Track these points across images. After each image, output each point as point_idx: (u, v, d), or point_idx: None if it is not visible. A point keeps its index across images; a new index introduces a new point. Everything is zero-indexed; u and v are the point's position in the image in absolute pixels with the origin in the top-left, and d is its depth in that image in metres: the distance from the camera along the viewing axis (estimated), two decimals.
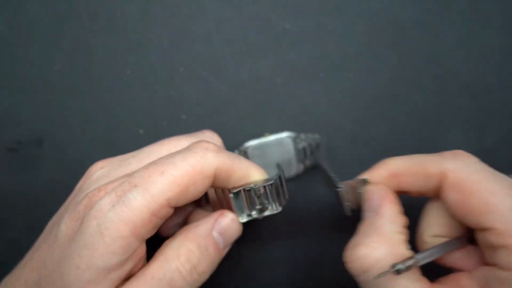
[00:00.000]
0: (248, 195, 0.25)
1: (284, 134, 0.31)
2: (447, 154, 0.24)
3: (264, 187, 0.25)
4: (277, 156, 0.31)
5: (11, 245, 0.32)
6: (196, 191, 0.23)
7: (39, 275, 0.23)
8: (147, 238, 0.23)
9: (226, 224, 0.25)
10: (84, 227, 0.22)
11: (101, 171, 0.26)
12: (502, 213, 0.21)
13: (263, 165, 0.30)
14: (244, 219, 0.26)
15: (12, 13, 0.33)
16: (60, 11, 0.33)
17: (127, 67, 0.33)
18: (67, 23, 0.33)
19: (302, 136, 0.31)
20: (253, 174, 0.25)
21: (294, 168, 0.31)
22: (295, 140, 0.31)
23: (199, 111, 0.33)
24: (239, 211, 0.25)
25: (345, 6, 0.33)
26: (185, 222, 0.29)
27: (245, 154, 0.31)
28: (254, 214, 0.26)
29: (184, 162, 0.22)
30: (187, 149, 0.23)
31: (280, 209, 0.26)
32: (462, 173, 0.22)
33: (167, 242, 0.25)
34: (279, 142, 0.31)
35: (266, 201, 0.25)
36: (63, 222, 0.23)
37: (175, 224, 0.29)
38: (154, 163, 0.23)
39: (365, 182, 0.26)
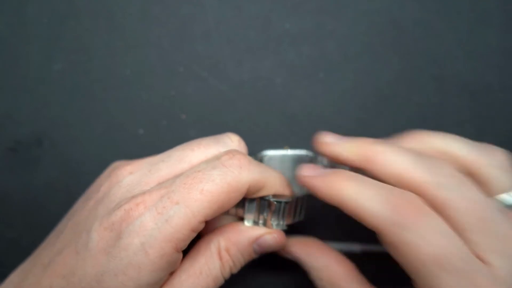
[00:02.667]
0: (261, 204, 0.26)
1: (304, 152, 0.31)
2: (389, 206, 0.22)
3: (279, 202, 0.26)
4: (291, 172, 0.31)
5: (10, 245, 0.32)
6: (229, 206, 0.24)
7: (69, 284, 0.23)
8: (184, 249, 0.23)
9: (269, 243, 0.26)
10: (126, 244, 0.22)
11: (131, 177, 0.25)
12: (427, 282, 0.21)
13: None
14: (250, 223, 0.26)
15: (12, 13, 0.33)
16: (60, 11, 0.33)
17: (127, 67, 0.33)
18: (67, 23, 0.33)
19: (320, 158, 0.31)
20: (280, 188, 0.26)
21: (306, 188, 0.31)
22: (312, 160, 0.31)
23: (199, 111, 0.33)
24: (247, 214, 0.26)
25: (345, 6, 0.33)
26: None
27: (260, 162, 0.31)
28: (261, 223, 0.26)
29: (222, 180, 0.23)
30: (222, 164, 0.24)
31: (284, 227, 0.27)
32: (399, 239, 0.22)
33: (210, 236, 0.26)
34: (296, 158, 0.31)
35: (276, 215, 0.26)
36: (94, 231, 0.23)
37: None
38: (191, 177, 0.23)
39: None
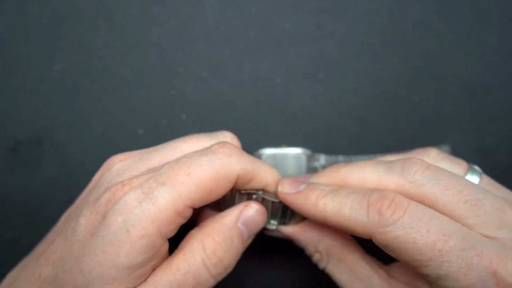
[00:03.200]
0: (248, 199, 0.26)
1: (301, 150, 0.31)
2: (372, 209, 0.22)
3: (266, 200, 0.26)
4: (289, 170, 0.31)
5: (10, 245, 0.32)
6: (217, 194, 0.23)
7: (56, 270, 0.23)
8: (170, 237, 0.23)
9: (251, 215, 0.25)
10: (108, 222, 0.22)
11: (121, 164, 0.25)
12: (432, 268, 0.21)
13: None
14: None
15: (12, 13, 0.33)
16: (60, 11, 0.33)
17: (127, 67, 0.33)
18: (67, 23, 0.33)
19: (317, 156, 0.31)
20: (271, 182, 0.26)
21: (303, 185, 0.31)
22: (310, 158, 0.31)
23: (199, 111, 0.33)
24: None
25: (345, 6, 0.33)
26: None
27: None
28: None
29: (210, 165, 0.23)
30: (211, 151, 0.24)
31: (274, 227, 0.27)
32: (388, 236, 0.22)
33: (192, 232, 0.25)
34: (294, 156, 0.31)
35: (275, 215, 0.26)
36: (82, 216, 0.23)
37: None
38: (180, 162, 0.23)
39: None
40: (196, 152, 0.24)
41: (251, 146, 0.33)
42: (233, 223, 0.25)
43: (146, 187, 0.22)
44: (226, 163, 0.23)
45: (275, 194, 0.26)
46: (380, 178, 0.24)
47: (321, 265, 0.27)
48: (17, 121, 0.33)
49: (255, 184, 0.25)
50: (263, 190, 0.26)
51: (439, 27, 0.33)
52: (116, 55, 0.33)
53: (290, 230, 0.27)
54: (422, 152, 0.27)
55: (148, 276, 0.23)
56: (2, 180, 0.32)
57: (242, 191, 0.26)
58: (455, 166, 0.26)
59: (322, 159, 0.30)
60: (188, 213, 0.23)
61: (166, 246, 0.23)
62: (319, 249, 0.26)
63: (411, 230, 0.21)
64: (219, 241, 0.24)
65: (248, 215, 0.25)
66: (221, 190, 0.23)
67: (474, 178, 0.25)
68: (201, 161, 0.23)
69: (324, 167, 0.30)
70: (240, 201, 0.26)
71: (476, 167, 0.26)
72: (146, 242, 0.21)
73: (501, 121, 0.33)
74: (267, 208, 0.26)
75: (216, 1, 0.33)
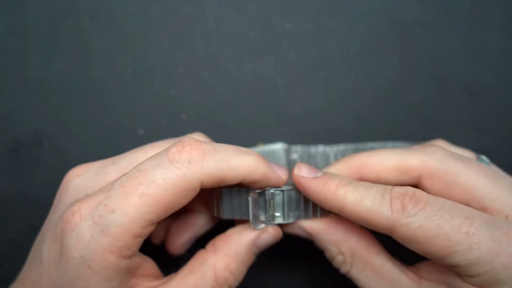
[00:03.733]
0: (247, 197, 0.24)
1: (277, 146, 0.30)
2: (395, 201, 0.22)
3: (276, 193, 0.24)
4: None
5: (10, 245, 0.32)
6: (179, 205, 0.22)
7: None
8: (136, 251, 0.22)
9: (268, 241, 0.25)
10: (68, 258, 0.21)
11: (77, 180, 0.24)
12: (462, 255, 0.21)
13: None
14: (255, 225, 0.24)
15: (12, 13, 0.33)
16: (60, 11, 0.33)
17: (127, 67, 0.33)
18: (67, 23, 0.33)
19: (295, 148, 0.31)
20: (249, 176, 0.23)
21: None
22: (287, 151, 0.30)
23: (199, 111, 0.33)
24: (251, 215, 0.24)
25: (345, 6, 0.33)
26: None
27: None
28: (265, 218, 0.25)
29: (165, 181, 0.20)
30: (168, 160, 0.21)
31: (292, 220, 0.25)
32: (413, 227, 0.21)
33: (203, 254, 0.24)
34: (271, 152, 0.30)
35: (274, 208, 0.24)
36: (45, 243, 0.23)
37: (185, 242, 0.28)
38: (131, 178, 0.21)
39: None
40: (150, 160, 0.21)
41: (251, 146, 0.33)
42: (249, 247, 0.24)
43: (97, 215, 0.21)
44: (184, 174, 0.21)
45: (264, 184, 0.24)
46: (401, 157, 0.24)
47: (344, 269, 0.25)
48: (17, 121, 0.33)
49: (228, 183, 0.23)
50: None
51: (439, 27, 0.33)
52: (116, 55, 0.33)
53: (313, 226, 0.25)
54: (429, 143, 0.27)
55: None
56: (2, 180, 0.32)
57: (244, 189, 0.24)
58: (464, 154, 0.26)
59: (299, 150, 0.30)
60: (150, 229, 0.21)
61: (135, 259, 0.22)
62: (342, 251, 0.25)
63: (434, 217, 0.21)
64: (232, 269, 0.23)
65: (264, 241, 0.24)
66: (183, 200, 0.21)
67: None
68: (155, 175, 0.21)
69: (302, 158, 0.29)
70: (242, 198, 0.24)
71: (484, 157, 0.26)
72: (111, 271, 0.21)
73: (501, 121, 0.33)
74: (279, 201, 0.24)
75: (216, 1, 0.33)
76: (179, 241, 0.28)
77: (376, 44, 0.33)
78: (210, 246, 0.24)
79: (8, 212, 0.32)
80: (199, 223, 0.28)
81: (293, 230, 0.26)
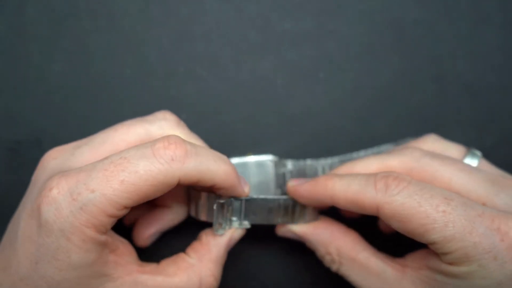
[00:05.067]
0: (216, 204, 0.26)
1: (267, 157, 0.30)
2: (380, 185, 0.24)
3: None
4: (256, 178, 0.31)
5: None
6: (154, 196, 0.23)
7: (6, 276, 0.23)
8: (109, 228, 0.23)
9: (237, 238, 0.27)
10: (47, 231, 0.22)
11: (54, 162, 0.25)
12: (439, 231, 0.22)
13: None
14: (218, 229, 0.27)
15: (12, 13, 0.33)
16: (60, 11, 0.33)
17: (127, 67, 0.33)
18: (67, 23, 0.33)
19: (284, 161, 0.31)
20: (220, 182, 0.25)
21: (271, 192, 0.31)
22: (277, 164, 0.30)
23: (199, 111, 0.33)
24: (214, 222, 0.27)
25: (345, 6, 0.33)
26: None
27: None
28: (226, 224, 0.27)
29: (147, 173, 0.22)
30: (152, 153, 0.22)
31: (248, 226, 0.27)
32: (394, 205, 0.23)
33: (187, 260, 0.26)
34: (260, 164, 0.31)
35: (234, 214, 0.27)
36: (22, 220, 0.23)
37: (151, 235, 0.29)
38: (114, 163, 0.22)
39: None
40: (136, 149, 0.23)
41: (251, 146, 0.33)
42: (225, 251, 0.27)
43: (76, 193, 0.22)
44: (166, 169, 0.22)
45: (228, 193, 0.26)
46: (382, 160, 0.26)
47: (334, 267, 0.27)
48: (17, 121, 0.33)
49: (201, 185, 0.24)
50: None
51: (439, 27, 0.33)
52: (116, 55, 0.33)
53: (301, 229, 0.28)
54: (419, 140, 0.28)
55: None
56: (2, 180, 0.32)
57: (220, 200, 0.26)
58: (454, 148, 0.28)
59: (289, 164, 0.30)
60: (124, 212, 0.23)
61: (111, 234, 0.24)
62: (330, 251, 0.27)
63: (415, 196, 0.23)
64: (215, 274, 0.26)
65: (235, 240, 0.27)
66: (159, 194, 0.23)
67: (473, 161, 0.27)
68: (138, 166, 0.22)
69: (292, 172, 0.30)
70: (209, 207, 0.26)
71: (476, 151, 0.27)
72: (90, 243, 0.22)
73: (501, 121, 0.33)
74: (240, 207, 0.27)
75: (216, 1, 0.33)
76: (146, 234, 0.29)
77: (376, 44, 0.33)
78: (192, 252, 0.26)
79: (8, 212, 0.32)
80: (166, 218, 0.29)
81: (286, 234, 0.28)
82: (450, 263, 0.23)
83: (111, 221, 0.22)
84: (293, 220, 0.28)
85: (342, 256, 0.27)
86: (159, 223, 0.29)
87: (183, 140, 0.23)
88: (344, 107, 0.33)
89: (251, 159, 0.30)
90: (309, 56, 0.33)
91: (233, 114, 0.33)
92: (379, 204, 0.23)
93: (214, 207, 0.26)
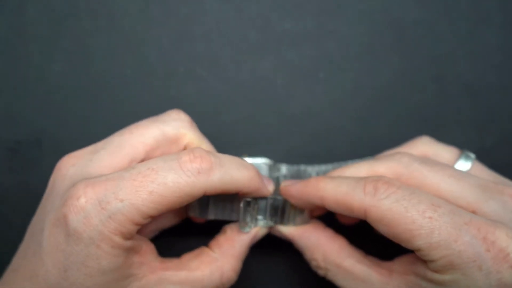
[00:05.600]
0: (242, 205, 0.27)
1: (261, 160, 0.30)
2: (369, 188, 0.24)
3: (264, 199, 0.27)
4: None
5: (10, 246, 0.32)
6: (178, 206, 0.23)
7: (33, 285, 0.23)
8: (134, 235, 0.24)
9: (260, 236, 0.28)
10: (76, 239, 0.22)
11: (73, 169, 0.25)
12: (424, 237, 0.22)
13: None
14: (244, 227, 0.27)
15: (12, 13, 0.33)
16: (60, 11, 0.33)
17: (127, 67, 0.33)
18: (67, 23, 0.33)
19: (279, 165, 0.31)
20: (246, 190, 0.25)
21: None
22: (271, 167, 0.30)
23: (199, 111, 0.33)
24: (241, 221, 0.27)
25: (345, 6, 0.33)
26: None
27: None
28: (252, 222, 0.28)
29: (175, 185, 0.22)
30: (179, 166, 0.23)
31: (272, 224, 0.28)
32: (381, 208, 0.23)
33: (210, 254, 0.27)
34: (256, 166, 0.30)
35: (258, 214, 0.28)
36: (45, 228, 0.23)
37: (149, 232, 0.29)
38: (141, 174, 0.23)
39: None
40: (164, 161, 0.23)
41: (251, 146, 0.33)
42: (248, 248, 0.27)
43: (104, 202, 0.22)
44: (192, 182, 0.23)
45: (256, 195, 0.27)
46: (371, 165, 0.26)
47: (321, 273, 0.27)
48: (17, 121, 0.33)
49: (227, 192, 0.25)
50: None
51: (439, 27, 0.33)
52: (116, 55, 0.33)
53: (288, 231, 0.28)
54: (411, 144, 0.29)
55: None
56: (2, 180, 0.32)
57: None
58: (447, 151, 0.28)
59: (283, 169, 0.30)
60: (148, 221, 0.23)
61: (137, 238, 0.24)
62: (315, 256, 0.27)
63: (403, 201, 0.22)
64: (236, 269, 0.27)
65: (257, 239, 0.28)
66: (184, 204, 0.23)
67: (466, 164, 0.27)
68: (167, 178, 0.22)
69: (285, 177, 0.30)
70: (233, 204, 0.27)
71: (470, 154, 0.27)
72: (117, 250, 0.23)
73: (501, 121, 0.33)
74: (265, 207, 0.27)
75: (216, 1, 0.33)
76: (145, 231, 0.29)
77: (376, 44, 0.33)
78: (215, 246, 0.27)
79: (8, 212, 0.32)
80: (167, 217, 0.30)
81: (275, 233, 0.29)
82: (436, 271, 0.22)
83: (136, 228, 0.23)
84: (282, 221, 0.28)
85: (327, 263, 0.27)
86: (159, 221, 0.29)
87: (207, 153, 0.24)
88: (344, 107, 0.33)
89: (248, 160, 0.30)
90: (309, 56, 0.33)
91: (233, 114, 0.33)
92: (366, 207, 0.23)
93: (241, 205, 0.26)
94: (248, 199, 0.26)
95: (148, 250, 0.26)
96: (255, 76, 0.33)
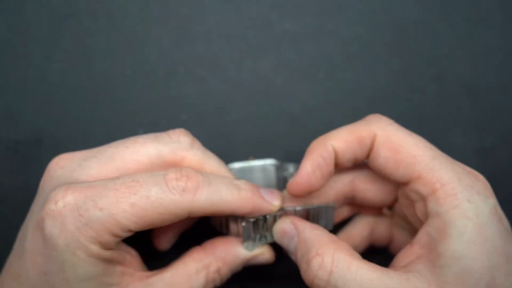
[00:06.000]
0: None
1: (269, 161, 0.30)
2: (370, 118, 0.26)
3: (248, 222, 0.26)
4: (259, 182, 0.31)
5: (11, 245, 0.32)
6: (159, 225, 0.23)
7: (17, 285, 0.23)
8: (115, 246, 0.23)
9: (260, 263, 0.27)
10: (53, 245, 0.22)
11: (61, 171, 0.25)
12: (426, 162, 0.23)
13: None
14: (247, 246, 0.27)
15: (12, 13, 0.33)
16: (60, 11, 0.33)
17: (127, 67, 0.33)
18: (67, 23, 0.33)
19: (286, 165, 0.31)
20: (237, 210, 0.24)
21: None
22: (278, 168, 0.30)
23: (199, 111, 0.33)
24: (245, 240, 0.26)
25: (345, 6, 0.33)
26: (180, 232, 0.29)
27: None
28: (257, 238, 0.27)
29: (158, 200, 0.22)
30: (165, 182, 0.22)
31: (271, 240, 0.26)
32: (388, 132, 0.24)
33: (200, 252, 0.25)
34: (262, 168, 0.30)
35: (254, 232, 0.26)
36: (28, 231, 0.23)
37: (170, 237, 0.29)
38: (125, 185, 0.22)
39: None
40: (150, 176, 0.23)
41: (251, 147, 0.33)
42: (242, 263, 0.26)
43: (83, 208, 0.22)
44: (177, 200, 0.22)
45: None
46: (364, 125, 0.26)
47: (321, 275, 0.23)
48: (17, 121, 0.33)
49: (219, 214, 0.24)
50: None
51: (439, 27, 0.33)
52: (116, 55, 0.33)
53: (289, 221, 0.26)
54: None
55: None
56: (2, 180, 0.32)
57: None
58: None
59: (291, 168, 0.30)
60: (127, 235, 0.22)
61: (117, 249, 0.23)
62: (321, 251, 0.24)
63: (406, 130, 0.25)
64: (222, 273, 0.25)
65: (257, 261, 0.27)
66: (167, 223, 0.23)
67: None
68: (150, 191, 0.22)
69: (292, 175, 0.30)
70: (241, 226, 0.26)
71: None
72: (94, 259, 0.22)
73: (501, 121, 0.33)
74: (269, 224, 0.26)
75: (216, 1, 0.33)
76: (165, 237, 0.29)
77: (376, 44, 0.33)
78: (208, 246, 0.26)
79: (8, 212, 0.32)
80: (184, 220, 0.28)
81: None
82: (437, 212, 0.22)
83: (115, 240, 0.22)
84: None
85: (337, 262, 0.23)
86: (176, 225, 0.28)
87: (196, 172, 0.23)
88: (344, 107, 0.33)
89: (254, 163, 0.30)
90: (309, 56, 0.33)
91: (233, 114, 0.33)
92: (374, 132, 0.24)
93: (243, 224, 0.25)
94: (251, 219, 0.25)
95: (134, 262, 0.25)
96: (255, 76, 0.33)
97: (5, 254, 0.32)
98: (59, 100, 0.33)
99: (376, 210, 0.29)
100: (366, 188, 0.27)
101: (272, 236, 0.26)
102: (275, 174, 0.30)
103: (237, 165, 0.30)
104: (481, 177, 0.23)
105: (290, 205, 0.27)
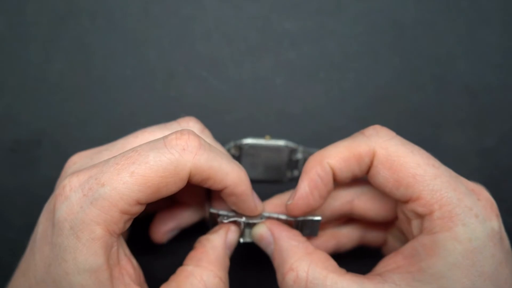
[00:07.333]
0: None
1: (284, 142, 0.30)
2: (370, 131, 0.25)
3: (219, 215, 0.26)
4: (270, 161, 0.31)
5: (11, 245, 0.32)
6: (167, 191, 0.22)
7: (25, 280, 0.23)
8: (123, 231, 0.23)
9: (234, 239, 0.26)
10: (58, 229, 0.21)
11: (75, 167, 0.25)
12: (427, 182, 0.22)
13: (253, 165, 0.31)
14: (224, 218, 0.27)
15: (12, 13, 0.33)
16: (60, 11, 0.33)
17: (127, 67, 0.33)
18: (67, 23, 0.33)
19: (301, 149, 0.31)
20: (230, 184, 0.24)
21: (281, 175, 0.31)
22: (292, 151, 0.31)
23: (199, 111, 0.33)
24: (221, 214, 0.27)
25: (345, 6, 0.33)
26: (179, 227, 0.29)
27: (240, 149, 0.31)
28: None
29: (157, 162, 0.21)
30: (163, 144, 0.22)
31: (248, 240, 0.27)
32: (388, 149, 0.23)
33: (187, 269, 0.24)
34: (276, 148, 0.31)
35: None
36: (40, 223, 0.23)
37: (169, 231, 0.29)
38: (124, 156, 0.22)
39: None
40: (146, 144, 0.22)
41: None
42: (224, 250, 0.25)
43: (86, 188, 0.21)
44: (176, 159, 0.22)
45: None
46: (363, 141, 0.25)
47: None
48: (17, 121, 0.33)
49: (212, 184, 0.23)
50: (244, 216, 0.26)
51: (439, 27, 0.33)
52: (116, 55, 0.33)
53: (264, 230, 0.26)
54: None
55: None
56: (2, 180, 0.32)
57: (224, 220, 0.26)
58: None
59: (299, 154, 0.30)
60: (137, 209, 0.22)
61: (121, 240, 0.23)
62: (296, 265, 0.24)
63: (408, 145, 0.24)
64: (220, 275, 0.24)
65: (231, 239, 0.26)
66: (172, 187, 0.22)
67: None
68: (148, 157, 0.21)
69: (305, 159, 0.30)
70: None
71: None
72: (98, 244, 0.21)
73: (501, 121, 0.33)
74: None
75: (216, 1, 0.33)
76: (163, 229, 0.28)
77: (376, 44, 0.33)
78: (189, 260, 0.25)
79: (8, 212, 0.32)
80: (185, 214, 0.29)
81: (249, 239, 0.27)
82: (430, 231, 0.22)
83: (123, 219, 0.22)
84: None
85: (312, 274, 0.24)
86: (177, 218, 0.28)
87: (197, 134, 0.23)
88: (344, 107, 0.33)
89: (269, 142, 0.30)
90: (309, 56, 0.33)
91: (233, 113, 0.33)
92: (375, 148, 0.24)
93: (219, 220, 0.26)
94: (232, 218, 0.26)
95: (135, 276, 0.24)
96: (255, 76, 0.33)
97: (4, 253, 0.32)
98: (59, 100, 0.33)
99: (375, 225, 0.29)
100: (366, 207, 0.27)
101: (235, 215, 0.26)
102: (287, 156, 0.30)
103: (251, 140, 0.30)
104: (484, 195, 0.23)
105: (275, 213, 0.26)
